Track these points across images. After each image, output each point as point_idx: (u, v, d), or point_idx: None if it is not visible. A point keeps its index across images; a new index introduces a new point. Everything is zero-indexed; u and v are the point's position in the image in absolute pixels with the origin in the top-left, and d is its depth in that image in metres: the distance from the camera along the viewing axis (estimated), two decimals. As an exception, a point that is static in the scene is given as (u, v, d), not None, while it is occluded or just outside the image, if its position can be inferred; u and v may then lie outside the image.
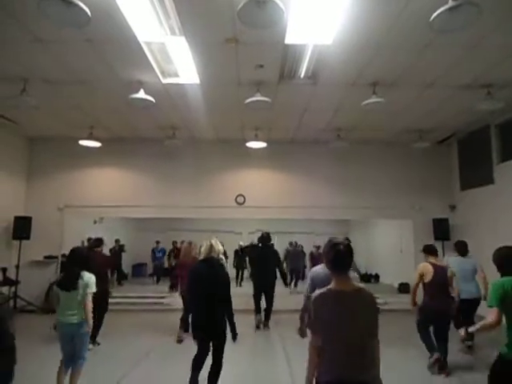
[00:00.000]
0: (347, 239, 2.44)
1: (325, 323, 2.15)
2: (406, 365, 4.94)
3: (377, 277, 13.44)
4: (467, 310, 5.29)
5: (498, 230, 7.35)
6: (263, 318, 6.89)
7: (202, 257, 3.82)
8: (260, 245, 7.24)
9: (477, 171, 8.17)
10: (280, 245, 13.06)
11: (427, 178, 9.04)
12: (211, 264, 3.74)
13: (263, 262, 6.93)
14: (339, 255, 2.20)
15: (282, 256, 8.83)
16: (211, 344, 3.75)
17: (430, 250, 4.86)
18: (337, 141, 8.09)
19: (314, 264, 10.49)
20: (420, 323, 4.80)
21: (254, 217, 9.74)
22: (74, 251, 3.91)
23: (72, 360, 3.70)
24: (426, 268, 4.66)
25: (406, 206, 8.91)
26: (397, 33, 4.33)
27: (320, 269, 3.59)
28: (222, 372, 3.81)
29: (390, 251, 11.92)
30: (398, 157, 9.13)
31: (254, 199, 8.99)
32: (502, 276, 2.91)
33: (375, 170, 9.08)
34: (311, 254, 12.71)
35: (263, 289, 6.91)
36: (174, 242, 12.24)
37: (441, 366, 4.60)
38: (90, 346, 5.57)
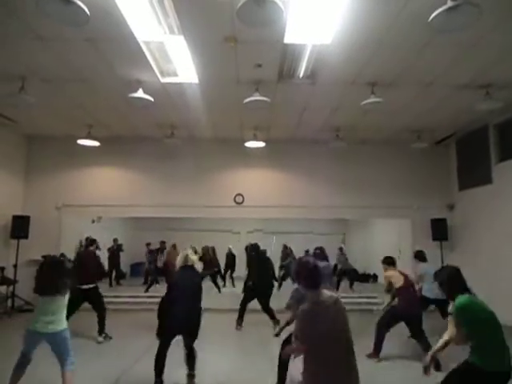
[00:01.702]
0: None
1: (313, 336, 2.30)
2: (405, 362, 4.97)
3: (375, 277, 13.45)
4: (440, 309, 5.89)
5: (496, 229, 7.37)
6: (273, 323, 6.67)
7: (178, 266, 4.25)
8: (253, 253, 7.31)
9: (475, 171, 8.18)
10: (279, 243, 13.10)
11: (426, 178, 9.05)
12: (187, 272, 4.21)
13: (261, 270, 6.90)
14: (311, 272, 2.41)
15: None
16: (183, 339, 4.10)
17: (388, 262, 5.42)
18: (336, 141, 8.09)
19: None
20: (387, 322, 5.17)
21: (252, 216, 9.73)
22: (58, 262, 3.89)
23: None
24: (396, 275, 5.28)
25: (405, 205, 8.91)
26: (396, 32, 4.34)
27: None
28: (208, 371, 4.13)
29: (389, 251, 11.81)
30: (396, 157, 9.13)
31: (252, 199, 8.98)
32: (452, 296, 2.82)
33: (374, 169, 9.08)
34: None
35: (258, 296, 6.79)
36: (162, 242, 11.96)
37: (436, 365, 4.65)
38: (101, 339, 5.76)
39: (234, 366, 4.88)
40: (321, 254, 5.40)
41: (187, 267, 4.23)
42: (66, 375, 3.54)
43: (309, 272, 2.38)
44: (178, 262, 4.27)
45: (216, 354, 5.25)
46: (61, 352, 3.55)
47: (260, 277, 6.84)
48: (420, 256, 6.60)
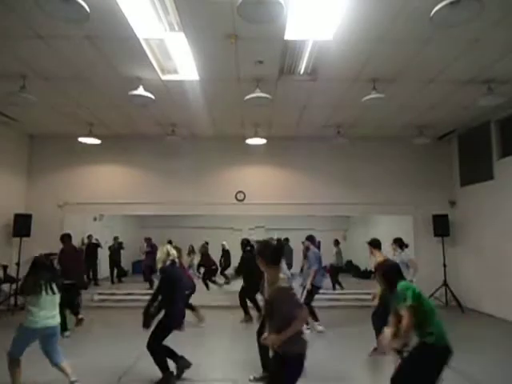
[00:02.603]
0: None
1: None
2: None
3: (376, 273, 13.45)
4: None
5: (498, 225, 7.36)
6: None
7: (160, 262, 4.31)
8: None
9: (477, 167, 8.16)
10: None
11: (427, 174, 9.03)
12: (177, 268, 4.47)
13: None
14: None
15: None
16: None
17: (375, 245, 5.59)
18: (337, 137, 8.07)
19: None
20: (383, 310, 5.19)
21: (253, 213, 9.72)
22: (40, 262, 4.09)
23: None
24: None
25: (406, 201, 8.90)
26: (397, 28, 4.31)
27: None
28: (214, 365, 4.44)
29: (390, 247, 11.90)
30: (397, 153, 9.10)
31: (254, 196, 8.98)
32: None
33: (375, 166, 9.06)
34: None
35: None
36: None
37: None
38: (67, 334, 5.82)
39: (238, 360, 4.91)
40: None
41: (174, 263, 4.40)
42: (65, 364, 3.84)
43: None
44: (161, 257, 4.31)
45: (220, 349, 5.33)
46: (54, 346, 3.85)
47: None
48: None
